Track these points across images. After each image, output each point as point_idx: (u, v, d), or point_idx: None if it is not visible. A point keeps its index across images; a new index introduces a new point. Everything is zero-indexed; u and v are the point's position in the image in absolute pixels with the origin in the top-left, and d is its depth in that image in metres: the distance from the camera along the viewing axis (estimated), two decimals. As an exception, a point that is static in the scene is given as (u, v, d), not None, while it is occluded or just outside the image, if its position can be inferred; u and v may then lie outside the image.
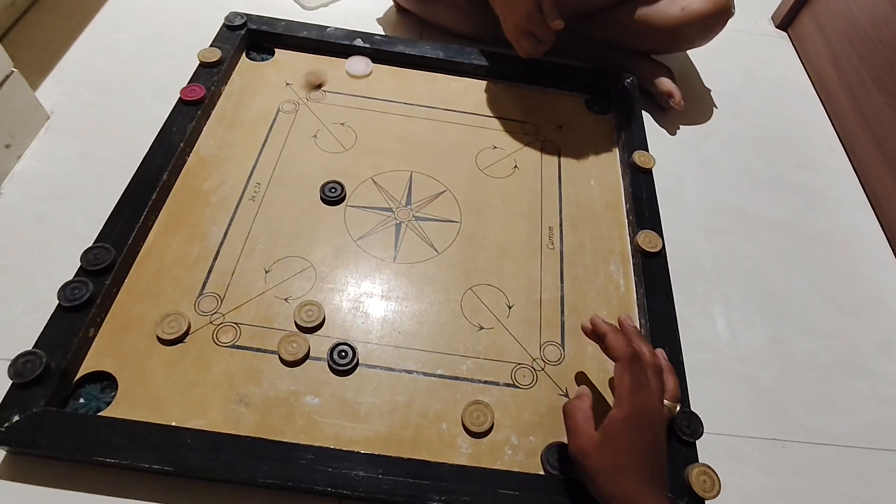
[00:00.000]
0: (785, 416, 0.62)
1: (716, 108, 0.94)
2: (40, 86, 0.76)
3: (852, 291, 0.74)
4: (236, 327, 0.58)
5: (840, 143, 0.92)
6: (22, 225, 0.64)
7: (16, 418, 0.48)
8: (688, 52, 1.00)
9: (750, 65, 1.03)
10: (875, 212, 0.83)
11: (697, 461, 0.53)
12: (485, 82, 0.85)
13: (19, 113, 0.69)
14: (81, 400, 0.53)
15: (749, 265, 0.75)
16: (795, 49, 1.06)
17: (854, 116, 0.90)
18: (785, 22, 1.08)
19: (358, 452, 0.50)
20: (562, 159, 0.78)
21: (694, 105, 0.92)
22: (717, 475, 0.52)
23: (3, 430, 0.48)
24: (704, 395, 0.61)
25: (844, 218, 0.83)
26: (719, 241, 0.76)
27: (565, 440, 0.50)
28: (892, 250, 0.79)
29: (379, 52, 0.84)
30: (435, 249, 0.67)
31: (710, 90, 0.96)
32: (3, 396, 0.50)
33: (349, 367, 0.56)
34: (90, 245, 0.58)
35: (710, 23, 0.82)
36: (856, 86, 0.90)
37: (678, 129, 0.89)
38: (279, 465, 0.48)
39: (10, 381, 0.50)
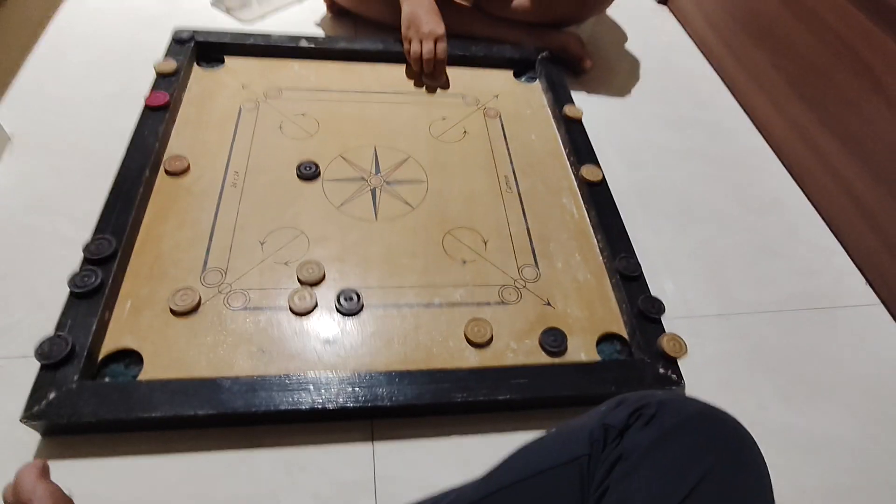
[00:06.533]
0: (725, 295, 0.74)
1: (621, 69, 1.08)
2: (-6, 112, 0.77)
3: (756, 196, 0.89)
4: (245, 293, 0.62)
5: (724, 85, 1.09)
6: (7, 237, 0.65)
7: (52, 395, 0.50)
8: (590, 27, 1.14)
9: (643, 33, 1.19)
10: (762, 134, 0.99)
11: (665, 332, 0.63)
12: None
13: (-17, 136, 0.70)
14: (107, 379, 0.55)
15: (672, 186, 0.88)
16: (676, 17, 1.24)
17: (733, 63, 1.07)
18: (663, -3, 1.26)
19: (379, 373, 0.56)
20: (503, 122, 0.88)
21: (603, 69, 1.06)
22: (683, 341, 0.62)
23: (42, 407, 0.49)
24: (659, 287, 0.72)
25: (739, 141, 0.98)
26: (645, 171, 0.89)
27: (559, 326, 0.59)
28: (780, 162, 0.95)
29: (324, 49, 0.91)
30: (410, 206, 0.74)
31: (614, 56, 1.11)
32: (31, 385, 0.51)
33: (357, 309, 0.62)
34: (88, 240, 0.61)
35: None
36: (729, 37, 1.08)
37: (594, 89, 1.02)
38: (316, 393, 0.53)
39: (39, 365, 0.52)
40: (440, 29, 0.87)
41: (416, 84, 0.91)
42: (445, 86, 0.92)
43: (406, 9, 0.88)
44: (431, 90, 0.91)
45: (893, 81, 0.75)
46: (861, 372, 0.69)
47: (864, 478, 0.59)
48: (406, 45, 0.89)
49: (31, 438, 0.52)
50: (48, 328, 0.56)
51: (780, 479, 0.38)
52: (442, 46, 0.88)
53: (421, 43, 0.87)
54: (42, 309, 0.60)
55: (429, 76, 0.91)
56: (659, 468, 0.37)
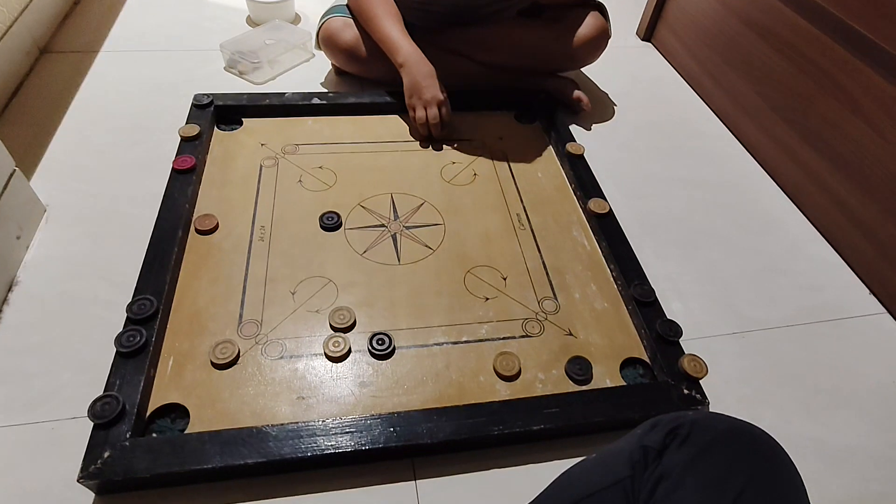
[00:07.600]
0: (736, 315, 0.77)
1: (615, 106, 1.14)
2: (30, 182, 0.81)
3: (755, 217, 0.93)
4: (281, 343, 0.65)
5: (713, 113, 1.15)
6: (48, 304, 0.68)
7: (107, 454, 0.52)
8: (583, 68, 1.21)
9: (631, 70, 1.26)
10: (754, 158, 1.04)
11: (685, 353, 0.66)
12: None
13: (23, 208, 0.73)
14: (155, 435, 0.57)
15: (674, 213, 0.92)
16: (661, 53, 1.31)
17: (719, 92, 1.13)
18: (647, 34, 1.34)
19: (416, 412, 0.58)
20: (510, 162, 0.93)
21: (597, 107, 1.12)
22: (703, 361, 0.65)
23: (98, 465, 0.51)
24: (672, 311, 0.75)
25: (733, 166, 1.03)
26: (647, 201, 0.93)
27: (583, 355, 0.61)
28: (774, 183, 1.00)
29: (335, 105, 0.96)
30: (430, 248, 0.77)
31: (606, 94, 1.17)
32: (82, 445, 0.53)
33: (388, 351, 0.65)
34: (130, 301, 0.64)
35: (596, 44, 1.02)
36: (712, 69, 1.14)
37: (591, 126, 1.08)
38: (358, 435, 0.55)
39: (90, 425, 0.54)
40: (441, 94, 0.92)
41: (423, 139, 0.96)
42: (450, 142, 0.96)
43: (406, 79, 0.93)
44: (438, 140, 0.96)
45: (871, 103, 0.81)
46: (875, 379, 0.71)
47: (890, 486, 0.61)
48: (411, 112, 0.94)
49: (85, 498, 0.54)
50: (94, 388, 0.59)
51: (809, 490, 0.40)
52: (445, 111, 0.92)
53: (425, 109, 0.92)
54: (87, 371, 0.62)
55: (435, 137, 0.95)
56: (700, 483, 0.39)
